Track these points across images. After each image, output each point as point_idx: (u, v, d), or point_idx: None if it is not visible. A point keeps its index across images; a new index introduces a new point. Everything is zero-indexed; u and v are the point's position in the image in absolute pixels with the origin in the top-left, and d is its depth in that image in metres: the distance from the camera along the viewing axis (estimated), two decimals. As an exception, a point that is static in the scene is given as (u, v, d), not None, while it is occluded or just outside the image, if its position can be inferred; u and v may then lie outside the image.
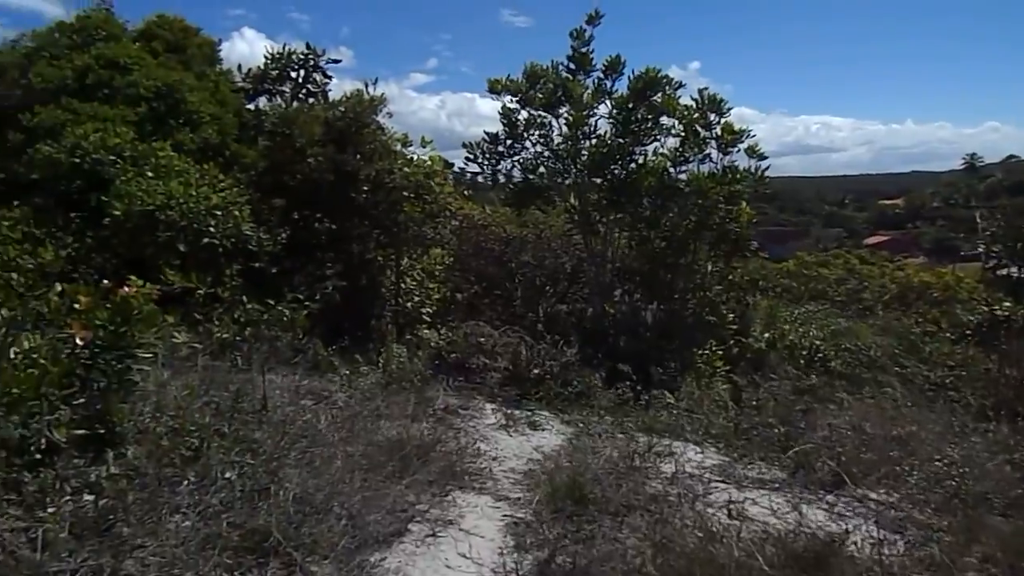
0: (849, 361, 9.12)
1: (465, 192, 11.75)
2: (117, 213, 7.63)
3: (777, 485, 5.26)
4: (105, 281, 4.22)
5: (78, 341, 3.95)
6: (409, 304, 9.26)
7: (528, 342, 9.82)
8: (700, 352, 8.88)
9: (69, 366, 3.89)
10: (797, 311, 11.92)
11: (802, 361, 8.11)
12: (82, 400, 4.01)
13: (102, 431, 4.01)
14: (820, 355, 8.31)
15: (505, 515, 4.21)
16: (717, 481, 5.12)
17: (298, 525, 3.49)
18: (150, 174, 8.22)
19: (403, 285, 9.26)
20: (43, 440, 3.60)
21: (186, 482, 3.68)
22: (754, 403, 7.15)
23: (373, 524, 3.69)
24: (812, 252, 24.95)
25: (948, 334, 10.99)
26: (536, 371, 8.98)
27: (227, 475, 3.74)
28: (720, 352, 8.86)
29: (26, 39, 10.21)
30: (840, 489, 5.13)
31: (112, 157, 8.28)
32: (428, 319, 9.36)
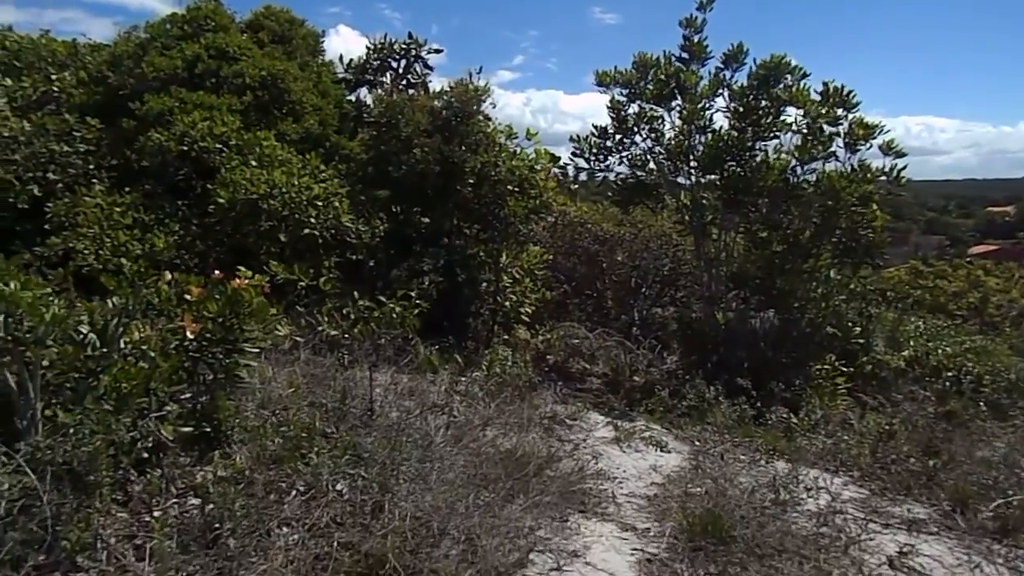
0: (992, 385, 8.18)
1: (570, 188, 11.26)
2: (222, 201, 7.60)
3: (935, 529, 4.66)
4: (217, 272, 4.01)
5: (188, 334, 3.74)
6: (507, 303, 8.86)
7: (626, 347, 9.29)
8: (819, 367, 8.14)
9: (178, 360, 3.69)
10: (922, 325, 10.87)
11: (948, 384, 7.24)
12: (189, 395, 3.82)
13: (208, 429, 3.81)
14: (970, 378, 7.42)
15: (635, 549, 3.75)
16: (867, 520, 4.52)
17: (414, 550, 3.14)
18: (254, 163, 8.16)
19: (502, 283, 8.87)
20: (151, 438, 3.41)
21: (294, 492, 3.40)
22: (887, 427, 6.46)
23: (492, 552, 3.30)
24: (933, 260, 23.14)
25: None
26: (637, 379, 8.47)
27: (338, 487, 3.44)
28: (842, 368, 8.09)
29: (139, 31, 10.39)
30: (1010, 538, 4.54)
31: (218, 145, 8.26)
32: (527, 319, 8.96)
